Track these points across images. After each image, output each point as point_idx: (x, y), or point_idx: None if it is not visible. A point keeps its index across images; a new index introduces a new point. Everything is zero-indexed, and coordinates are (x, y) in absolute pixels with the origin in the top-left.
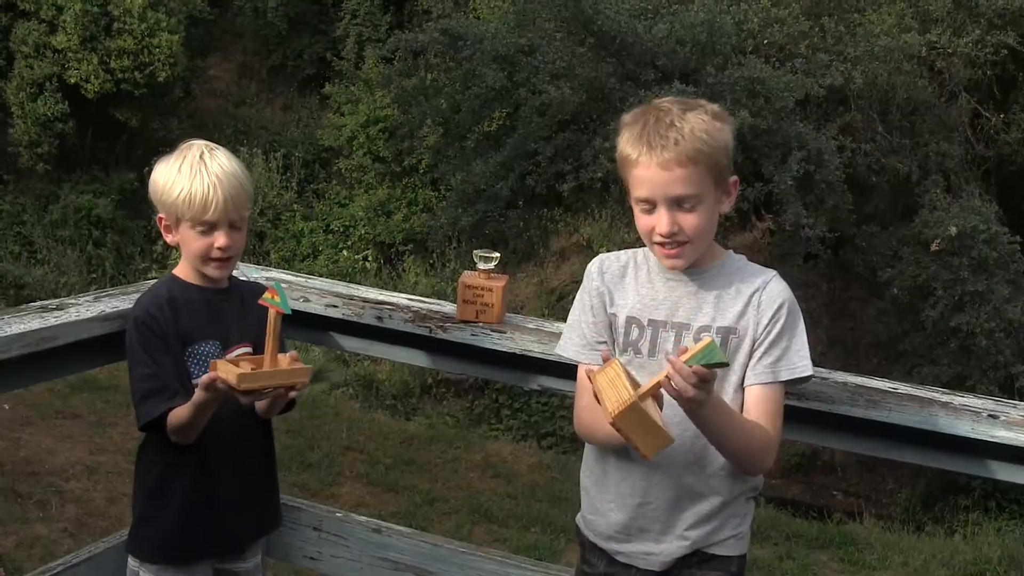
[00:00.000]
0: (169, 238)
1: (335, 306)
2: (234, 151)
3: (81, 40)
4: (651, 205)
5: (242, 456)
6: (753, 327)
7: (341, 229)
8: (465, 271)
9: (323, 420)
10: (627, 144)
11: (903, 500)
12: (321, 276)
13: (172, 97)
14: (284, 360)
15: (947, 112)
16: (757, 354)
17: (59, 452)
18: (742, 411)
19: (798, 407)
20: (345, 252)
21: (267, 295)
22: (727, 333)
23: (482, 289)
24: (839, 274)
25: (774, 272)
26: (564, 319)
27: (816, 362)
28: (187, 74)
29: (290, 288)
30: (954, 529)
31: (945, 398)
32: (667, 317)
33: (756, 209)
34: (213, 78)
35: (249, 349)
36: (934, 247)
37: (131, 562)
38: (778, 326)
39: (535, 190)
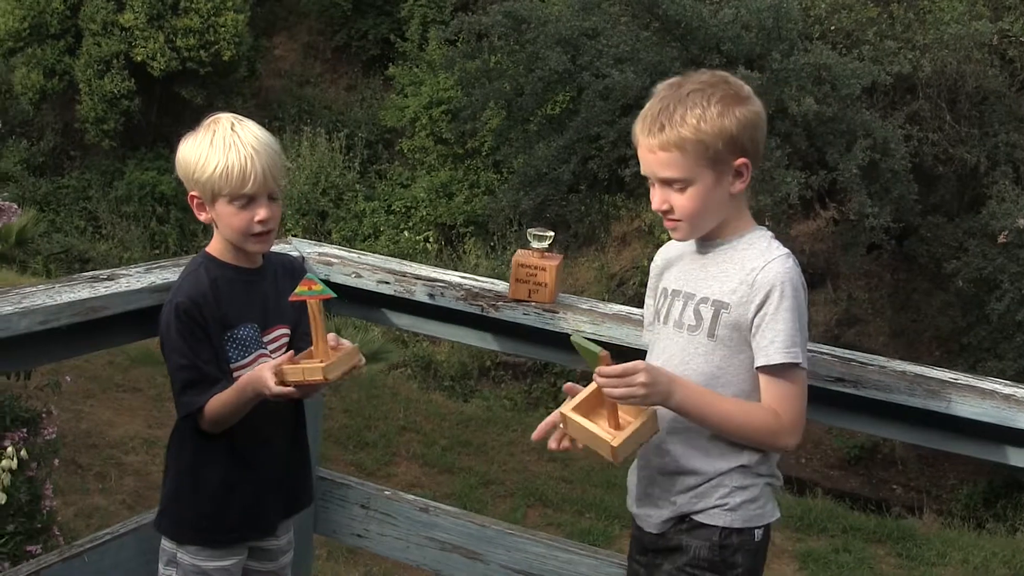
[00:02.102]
0: (203, 216)
1: (387, 283)
2: (297, 131)
3: (148, 18)
4: (651, 182)
5: (274, 437)
6: (745, 306)
7: (403, 210)
8: (519, 249)
9: (381, 400)
10: (637, 118)
11: (964, 496)
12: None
13: (237, 76)
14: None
15: (1018, 102)
16: (755, 337)
17: (119, 425)
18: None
19: (854, 395)
20: (406, 233)
21: (302, 288)
22: (719, 307)
23: (535, 268)
24: (903, 265)
25: (783, 252)
26: (624, 303)
27: (879, 353)
28: (252, 53)
29: (343, 264)
30: (1016, 527)
31: (1008, 390)
32: (681, 287)
33: (820, 197)
34: (278, 58)
35: (287, 331)
36: (1001, 239)
37: (166, 543)
38: (770, 309)
39: (597, 174)
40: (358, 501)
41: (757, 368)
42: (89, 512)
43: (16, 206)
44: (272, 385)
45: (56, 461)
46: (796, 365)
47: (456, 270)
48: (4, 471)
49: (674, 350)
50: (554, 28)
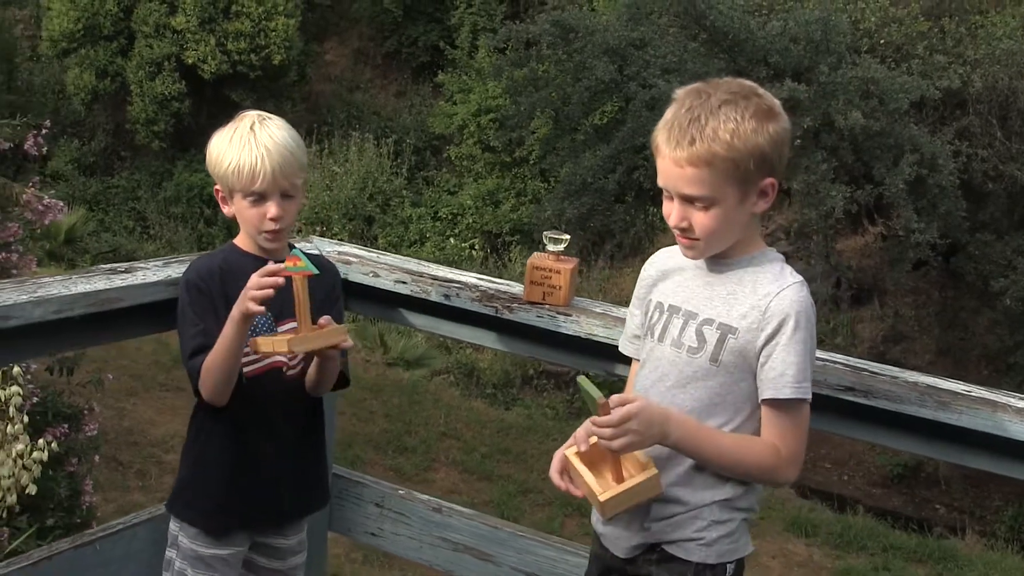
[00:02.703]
0: (226, 209)
1: (403, 282)
2: (346, 135)
3: (200, 21)
4: (670, 195)
5: (286, 432)
6: (755, 334)
7: (449, 217)
8: (535, 252)
9: (422, 406)
10: (659, 126)
11: (1009, 518)
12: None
13: (287, 80)
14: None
15: None
16: (763, 367)
17: (160, 424)
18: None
19: (865, 405)
20: (452, 240)
21: (288, 263)
22: (726, 331)
23: (550, 271)
24: (951, 282)
25: (797, 280)
26: None
27: (924, 371)
28: (302, 58)
29: (361, 263)
30: None
31: (1020, 403)
32: (681, 304)
33: (869, 213)
34: (328, 63)
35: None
36: None
37: (172, 525)
38: (782, 339)
39: (642, 185)
40: (373, 499)
41: (763, 400)
42: (128, 509)
43: (62, 204)
44: (247, 301)
45: (97, 457)
46: (804, 400)
47: (501, 278)
48: (35, 463)
49: (670, 371)
50: (602, 38)
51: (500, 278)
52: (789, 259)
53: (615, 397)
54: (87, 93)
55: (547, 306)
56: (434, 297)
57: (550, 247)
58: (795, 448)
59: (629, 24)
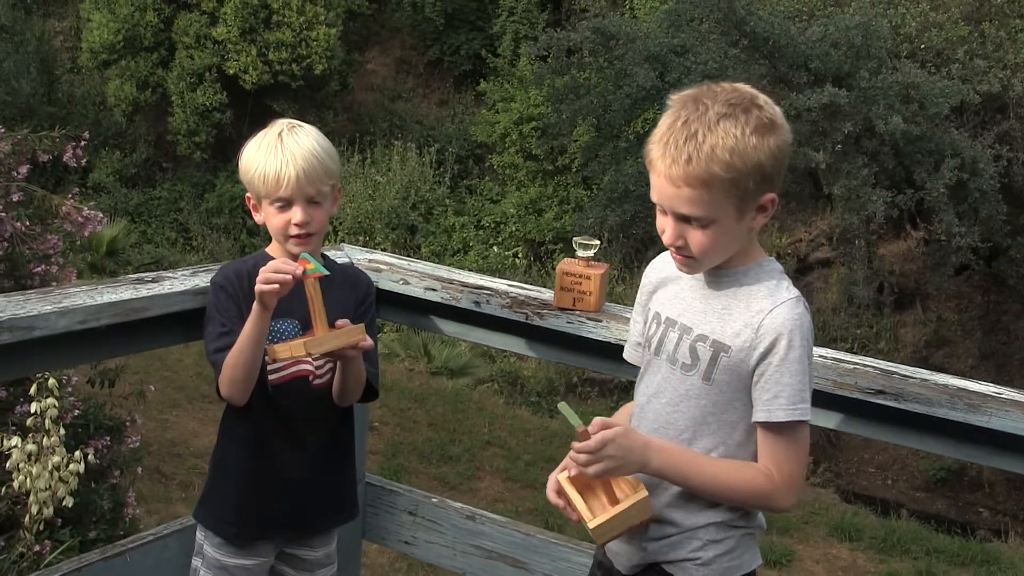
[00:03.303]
0: (257, 217)
1: (434, 289)
2: (388, 145)
3: (240, 32)
4: (664, 211)
5: (311, 443)
6: (748, 353)
7: (492, 225)
8: (565, 258)
9: (466, 415)
10: (653, 137)
11: None
12: (471, 272)
13: (328, 90)
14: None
15: None
16: (756, 387)
17: (203, 435)
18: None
19: (895, 408)
20: (495, 248)
21: (298, 267)
22: (719, 349)
23: (580, 277)
24: (993, 286)
25: (792, 295)
26: None
27: (967, 375)
28: (344, 67)
29: (391, 270)
30: None
31: None
32: (678, 317)
33: (911, 218)
34: (370, 72)
35: None
36: None
37: (199, 532)
38: (775, 359)
39: None
40: (406, 508)
41: (756, 423)
42: (171, 521)
43: (102, 215)
44: (259, 281)
45: (139, 469)
46: (800, 423)
47: (544, 287)
48: (72, 475)
49: (665, 387)
50: (643, 45)
51: (544, 287)
52: (831, 264)
53: (596, 422)
54: (128, 104)
55: (577, 312)
56: (464, 304)
57: (580, 252)
58: (791, 472)
59: (670, 31)
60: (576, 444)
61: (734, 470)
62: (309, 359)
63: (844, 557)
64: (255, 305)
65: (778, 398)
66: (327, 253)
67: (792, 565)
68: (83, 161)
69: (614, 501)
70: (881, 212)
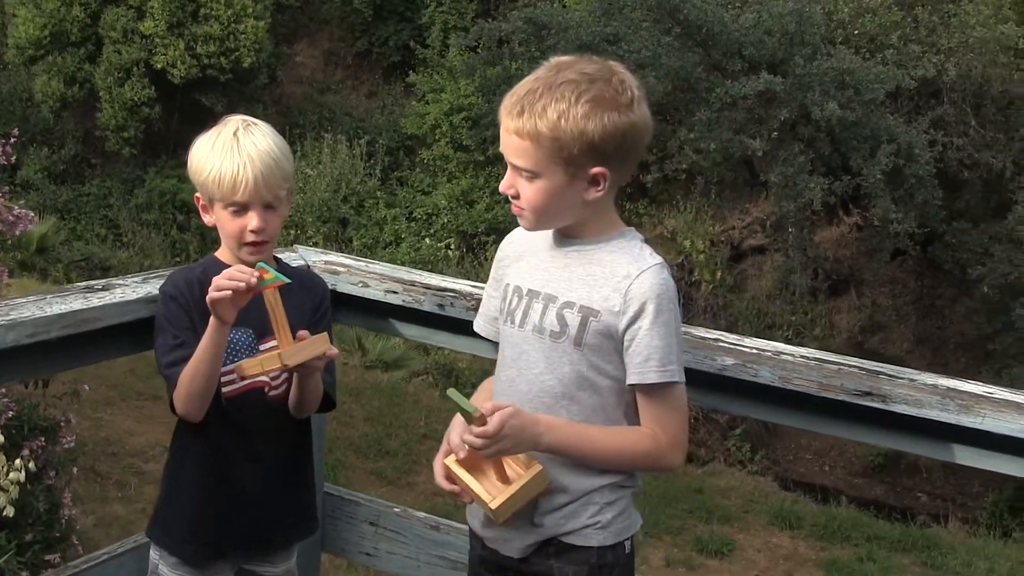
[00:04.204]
0: (206, 218)
1: (395, 292)
2: (319, 137)
3: (168, 26)
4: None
5: (268, 456)
6: (616, 317)
7: (424, 217)
8: None
9: (402, 408)
10: (508, 93)
11: (990, 504)
12: (403, 264)
13: (257, 83)
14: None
15: None
16: (628, 352)
17: (139, 433)
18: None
19: (882, 410)
20: (428, 240)
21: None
22: (587, 314)
23: None
24: (928, 271)
25: (656, 261)
26: None
27: (902, 360)
28: (272, 60)
29: (349, 272)
30: None
31: None
32: (540, 287)
33: (844, 203)
34: (299, 64)
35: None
36: None
37: (152, 552)
38: (644, 323)
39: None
40: (367, 518)
41: (631, 385)
42: (109, 521)
43: (32, 213)
44: (211, 288)
45: (75, 470)
46: (675, 383)
47: (478, 278)
48: (13, 484)
49: (536, 357)
50: (575, 34)
51: (476, 278)
52: (766, 251)
53: (487, 406)
54: (55, 100)
55: None
56: (427, 307)
57: None
58: (675, 431)
59: (602, 19)
60: (473, 428)
61: (622, 436)
62: None
63: (785, 545)
64: (212, 319)
65: (649, 360)
66: (279, 255)
67: (733, 555)
68: (11, 158)
69: (504, 479)
70: (818, 199)
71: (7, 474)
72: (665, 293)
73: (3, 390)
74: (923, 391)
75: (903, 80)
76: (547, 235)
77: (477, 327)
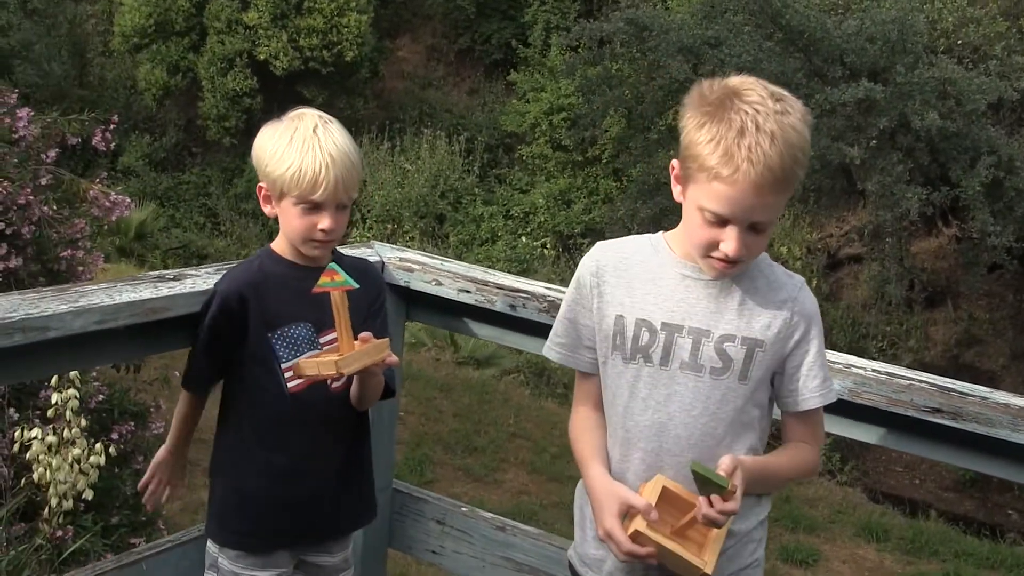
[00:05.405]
0: (268, 209)
1: (467, 291)
2: (418, 133)
3: (272, 17)
4: (722, 221)
5: (329, 447)
6: (783, 343)
7: (521, 216)
8: None
9: (492, 406)
10: (713, 146)
11: None
12: (499, 261)
13: (359, 77)
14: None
15: None
16: (802, 376)
17: None
18: (761, 413)
19: (955, 428)
20: (524, 239)
21: (324, 279)
22: (753, 345)
23: None
24: None
25: (802, 279)
26: None
27: (998, 376)
28: (374, 54)
29: (424, 270)
30: None
31: None
32: (683, 320)
33: (943, 215)
34: (400, 59)
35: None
36: None
37: (210, 547)
38: (813, 346)
39: None
40: (434, 516)
41: (802, 412)
42: (195, 507)
43: (129, 200)
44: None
45: None
46: None
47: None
48: (93, 467)
49: (691, 396)
50: (676, 36)
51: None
52: (862, 260)
53: (724, 468)
54: (158, 89)
55: None
56: (499, 307)
57: None
58: (822, 440)
59: (704, 22)
60: (719, 504)
61: (796, 457)
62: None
63: (871, 558)
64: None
65: (826, 382)
66: (342, 249)
67: (818, 565)
68: (112, 145)
69: (693, 535)
70: (915, 209)
71: (88, 458)
72: (818, 310)
73: (94, 374)
74: (995, 410)
75: (1006, 91)
76: (662, 262)
77: (555, 357)
